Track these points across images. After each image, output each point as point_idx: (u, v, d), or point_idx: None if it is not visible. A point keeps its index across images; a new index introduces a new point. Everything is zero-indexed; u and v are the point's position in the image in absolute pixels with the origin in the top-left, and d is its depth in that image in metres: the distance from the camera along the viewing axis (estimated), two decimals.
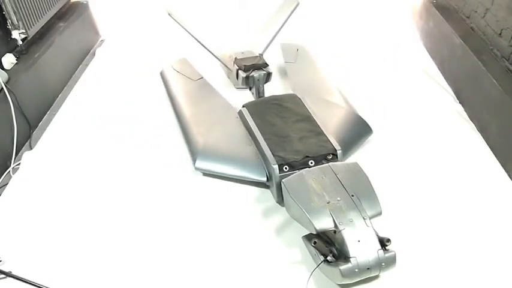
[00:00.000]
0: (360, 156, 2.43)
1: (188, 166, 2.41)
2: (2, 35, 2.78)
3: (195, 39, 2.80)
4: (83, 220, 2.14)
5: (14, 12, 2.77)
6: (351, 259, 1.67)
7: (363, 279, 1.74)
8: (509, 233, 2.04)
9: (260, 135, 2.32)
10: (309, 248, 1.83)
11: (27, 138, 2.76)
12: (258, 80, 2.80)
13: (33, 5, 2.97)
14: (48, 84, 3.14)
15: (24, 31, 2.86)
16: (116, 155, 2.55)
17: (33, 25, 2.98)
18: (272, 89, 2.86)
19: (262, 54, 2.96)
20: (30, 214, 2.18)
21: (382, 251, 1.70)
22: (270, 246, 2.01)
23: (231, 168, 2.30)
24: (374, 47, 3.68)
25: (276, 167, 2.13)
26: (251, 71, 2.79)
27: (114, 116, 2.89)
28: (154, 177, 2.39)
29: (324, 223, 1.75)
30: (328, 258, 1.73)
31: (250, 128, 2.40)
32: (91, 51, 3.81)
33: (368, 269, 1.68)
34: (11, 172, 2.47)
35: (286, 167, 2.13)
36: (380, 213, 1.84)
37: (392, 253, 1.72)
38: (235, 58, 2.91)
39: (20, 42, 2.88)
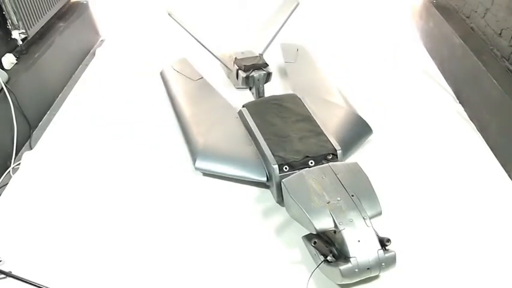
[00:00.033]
0: (360, 156, 2.43)
1: (188, 166, 2.41)
2: (2, 35, 2.78)
3: (195, 39, 2.80)
4: (83, 220, 2.14)
5: (14, 12, 2.77)
6: (351, 259, 1.67)
7: (363, 279, 1.74)
8: (509, 233, 2.04)
9: (260, 135, 2.32)
10: (309, 248, 1.83)
11: (27, 138, 2.76)
12: (258, 80, 2.80)
13: (33, 5, 2.97)
14: (48, 84, 3.14)
15: (24, 31, 2.86)
16: (116, 155, 2.55)
17: (33, 25, 2.98)
18: (272, 89, 2.86)
19: (262, 54, 2.96)
20: (30, 214, 2.18)
21: (382, 251, 1.70)
22: (270, 246, 2.01)
23: (231, 168, 2.30)
24: (374, 47, 3.68)
25: (276, 167, 2.13)
26: (251, 71, 2.79)
27: (114, 116, 2.89)
28: (154, 177, 2.39)
29: (324, 223, 1.75)
30: (328, 258, 1.73)
31: (250, 128, 2.40)
32: (91, 51, 3.81)
33: (368, 269, 1.68)
34: (11, 172, 2.48)
35: (286, 167, 2.13)
36: (380, 213, 1.84)
37: (392, 253, 1.72)
38: (235, 58, 2.91)
39: (20, 42, 2.88)
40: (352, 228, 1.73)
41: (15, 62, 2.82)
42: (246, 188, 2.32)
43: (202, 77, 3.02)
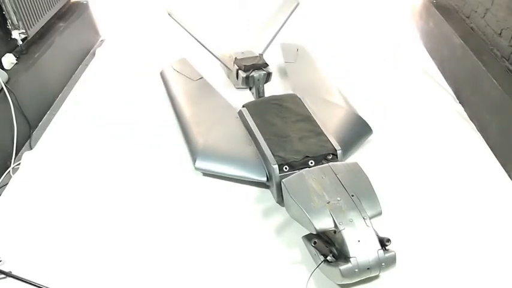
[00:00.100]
0: (360, 156, 2.43)
1: (188, 166, 2.41)
2: (2, 35, 2.78)
3: (195, 39, 2.80)
4: (83, 220, 2.14)
5: (14, 12, 2.77)
6: (351, 259, 1.67)
7: (363, 279, 1.74)
8: (509, 233, 2.04)
9: (260, 135, 2.32)
10: (309, 248, 1.83)
11: (27, 138, 2.76)
12: (258, 80, 2.80)
13: (33, 5, 2.97)
14: (48, 84, 3.14)
15: (24, 31, 2.86)
16: (116, 155, 2.55)
17: (33, 25, 2.98)
18: (272, 89, 2.86)
19: (262, 54, 2.96)
20: (30, 214, 2.18)
21: (382, 251, 1.70)
22: (270, 246, 2.01)
23: (231, 168, 2.30)
24: (374, 47, 3.68)
25: (276, 167, 2.13)
26: (251, 71, 2.79)
27: (114, 116, 2.89)
28: (154, 177, 2.39)
29: (324, 223, 1.75)
30: (328, 258, 1.73)
31: (250, 128, 2.40)
32: (91, 51, 3.81)
33: (368, 269, 1.68)
34: (11, 172, 2.48)
35: (286, 167, 2.13)
36: (380, 213, 1.84)
37: (392, 253, 1.72)
38: (235, 58, 2.91)
39: (20, 42, 2.88)
40: (352, 228, 1.73)
41: (15, 62, 2.82)
42: (246, 188, 2.32)
43: (202, 77, 3.02)
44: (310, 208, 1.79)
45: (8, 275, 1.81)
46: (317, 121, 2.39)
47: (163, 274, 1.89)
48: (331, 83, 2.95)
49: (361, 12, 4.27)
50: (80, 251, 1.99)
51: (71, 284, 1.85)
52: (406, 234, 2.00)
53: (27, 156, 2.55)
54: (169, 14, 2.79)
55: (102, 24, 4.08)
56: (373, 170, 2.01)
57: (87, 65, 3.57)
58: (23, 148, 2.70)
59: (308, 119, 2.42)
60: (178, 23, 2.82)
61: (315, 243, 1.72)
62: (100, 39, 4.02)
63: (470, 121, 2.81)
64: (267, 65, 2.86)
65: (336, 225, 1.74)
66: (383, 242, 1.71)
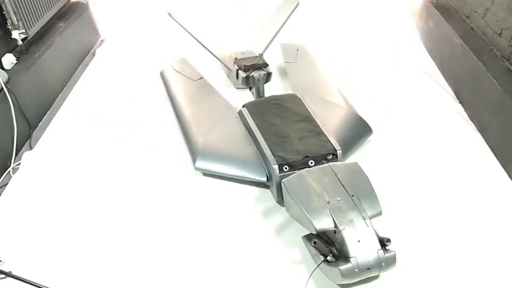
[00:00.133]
0: (360, 156, 2.43)
1: (188, 166, 2.41)
2: (2, 35, 2.78)
3: (195, 39, 2.80)
4: (83, 220, 2.14)
5: (14, 12, 2.77)
6: (351, 259, 1.67)
7: (363, 279, 1.74)
8: (509, 233, 2.04)
9: (260, 135, 2.32)
10: (309, 248, 1.83)
11: (27, 138, 2.76)
12: (258, 80, 2.80)
13: (33, 5, 2.97)
14: (48, 84, 3.14)
15: (24, 31, 2.86)
16: (116, 155, 2.55)
17: (33, 25, 2.98)
18: (272, 89, 2.86)
19: (262, 54, 2.96)
20: (30, 214, 2.18)
21: (382, 251, 1.70)
22: (270, 246, 2.01)
23: (231, 168, 2.30)
24: (374, 47, 3.68)
25: (276, 167, 2.13)
26: (251, 71, 2.79)
27: (114, 116, 2.89)
28: (154, 177, 2.39)
29: (324, 223, 1.75)
30: (328, 258, 1.73)
31: (250, 128, 2.40)
32: (91, 51, 3.81)
33: (368, 269, 1.68)
34: (11, 172, 2.48)
35: (286, 167, 2.13)
36: (380, 213, 1.84)
37: (392, 253, 1.72)
38: (235, 58, 2.91)
39: (20, 42, 2.88)
40: (352, 228, 1.73)
41: (15, 62, 2.81)
42: (246, 188, 2.32)
43: (202, 77, 3.02)
44: (310, 208, 1.79)
45: (8, 275, 1.81)
46: (317, 121, 2.39)
47: (163, 274, 1.89)
48: (331, 83, 2.95)
49: (361, 12, 4.27)
50: (80, 251, 1.99)
51: (71, 284, 1.85)
52: (406, 234, 2.00)
53: (27, 156, 2.55)
54: (169, 14, 2.79)
55: (102, 24, 4.08)
56: (373, 170, 2.01)
57: (87, 65, 3.57)
58: (23, 148, 2.70)
59: (308, 119, 2.42)
60: (178, 23, 2.82)
61: (315, 243, 1.72)
62: (100, 39, 4.02)
63: (470, 121, 2.81)
64: (267, 65, 2.86)
65: (336, 225, 1.74)
66: (383, 242, 1.71)
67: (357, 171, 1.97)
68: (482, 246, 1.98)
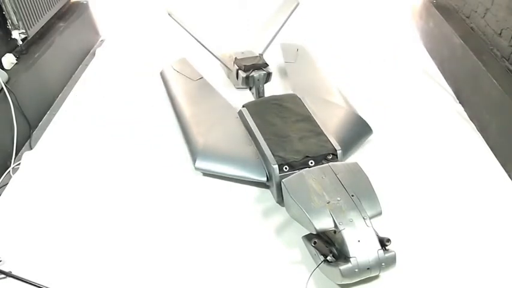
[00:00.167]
0: (360, 156, 2.43)
1: (188, 166, 2.41)
2: (2, 35, 2.78)
3: (195, 39, 2.80)
4: (83, 220, 2.14)
5: (14, 12, 2.77)
6: (351, 259, 1.67)
7: (363, 279, 1.74)
8: (509, 233, 2.04)
9: (260, 135, 2.32)
10: (309, 248, 1.83)
11: (27, 138, 2.76)
12: (258, 80, 2.80)
13: (33, 5, 2.97)
14: (48, 84, 3.14)
15: (24, 31, 2.86)
16: (116, 155, 2.55)
17: (33, 25, 2.98)
18: (272, 89, 2.86)
19: (262, 54, 2.96)
20: (30, 214, 2.18)
21: (382, 251, 1.70)
22: (270, 246, 2.01)
23: (231, 168, 2.30)
24: (374, 47, 3.68)
25: (276, 167, 2.13)
26: (251, 71, 2.79)
27: (114, 116, 2.89)
28: (154, 177, 2.39)
29: (324, 223, 1.75)
30: (328, 258, 1.73)
31: (250, 128, 2.40)
32: (91, 51, 3.81)
33: (368, 269, 1.68)
34: (11, 172, 2.48)
35: (286, 167, 2.13)
36: (380, 213, 1.84)
37: (392, 253, 1.72)
38: (235, 58, 2.91)
39: (20, 42, 2.88)
40: (352, 228, 1.73)
41: (15, 62, 2.81)
42: (246, 188, 2.32)
43: (202, 77, 3.02)
44: (310, 208, 1.79)
45: (8, 275, 1.81)
46: (317, 121, 2.39)
47: (163, 274, 1.89)
48: (331, 83, 2.95)
49: (361, 12, 4.27)
50: (80, 251, 1.99)
51: (71, 284, 1.85)
52: (406, 234, 2.00)
53: (27, 156, 2.55)
54: (169, 14, 2.79)
55: (102, 24, 4.08)
56: (373, 170, 2.01)
57: (87, 65, 3.57)
58: (23, 148, 2.70)
59: (308, 119, 2.42)
60: (178, 23, 2.82)
61: (315, 243, 1.72)
62: (100, 39, 4.02)
63: (470, 121, 2.81)
64: (267, 65, 2.86)
65: (336, 225, 1.74)
66: (383, 242, 1.71)
67: (357, 171, 1.97)
68: (482, 246, 1.98)
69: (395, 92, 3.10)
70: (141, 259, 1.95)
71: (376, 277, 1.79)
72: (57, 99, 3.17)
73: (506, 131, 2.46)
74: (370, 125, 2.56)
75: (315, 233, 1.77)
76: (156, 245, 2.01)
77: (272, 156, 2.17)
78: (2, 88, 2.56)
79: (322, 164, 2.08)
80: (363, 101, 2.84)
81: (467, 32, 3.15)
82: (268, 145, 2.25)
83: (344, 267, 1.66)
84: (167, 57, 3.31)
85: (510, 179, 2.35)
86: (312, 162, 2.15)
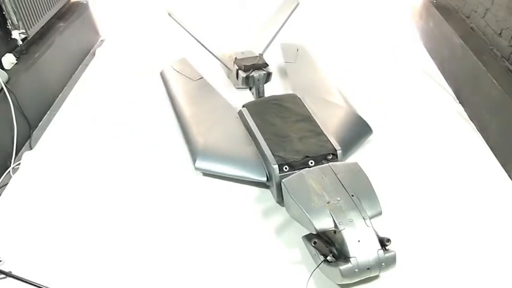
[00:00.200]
0: (360, 156, 2.43)
1: (188, 166, 2.41)
2: (2, 35, 2.78)
3: (195, 39, 2.80)
4: (83, 220, 2.14)
5: (14, 12, 2.77)
6: (351, 259, 1.67)
7: (363, 279, 1.74)
8: (509, 233, 2.04)
9: (260, 135, 2.32)
10: (309, 248, 1.83)
11: (27, 138, 2.76)
12: (258, 80, 2.80)
13: (33, 5, 2.97)
14: (48, 84, 3.14)
15: (24, 31, 2.86)
16: (116, 155, 2.55)
17: (33, 25, 2.98)
18: (272, 89, 2.86)
19: (262, 54, 2.96)
20: (30, 214, 2.18)
21: (382, 251, 1.70)
22: (270, 246, 2.01)
23: (231, 168, 2.30)
24: (374, 47, 3.68)
25: (276, 167, 2.13)
26: (251, 71, 2.79)
27: (114, 116, 2.89)
28: (154, 177, 2.39)
29: (324, 223, 1.75)
30: (328, 258, 1.73)
31: (250, 128, 2.40)
32: (91, 51, 3.81)
33: (368, 269, 1.68)
34: (11, 172, 2.48)
35: (286, 167, 2.13)
36: (380, 213, 1.84)
37: (392, 253, 1.72)
38: (235, 58, 2.91)
39: (20, 42, 2.88)
40: (352, 228, 1.73)
41: (15, 62, 2.81)
42: (246, 188, 2.32)
43: (202, 77, 3.02)
44: (310, 208, 1.79)
45: (8, 275, 1.81)
46: (317, 121, 2.39)
47: (163, 274, 1.89)
48: (331, 83, 2.95)
49: (361, 12, 4.27)
50: (80, 251, 1.99)
51: (71, 284, 1.85)
52: (406, 234, 2.00)
53: (27, 156, 2.55)
54: (169, 14, 2.79)
55: (102, 24, 4.08)
56: (373, 170, 2.01)
57: (87, 65, 3.57)
58: (23, 148, 2.70)
59: (308, 119, 2.42)
60: (178, 23, 2.82)
61: (315, 243, 1.73)
62: (100, 39, 4.02)
63: (470, 121, 2.81)
64: (267, 65, 2.86)
65: (336, 225, 1.74)
66: (383, 242, 1.71)
67: (357, 171, 1.97)
68: (482, 246, 1.98)
69: (395, 92, 3.10)
70: (141, 259, 1.95)
71: (376, 277, 1.79)
72: (57, 99, 3.17)
73: (506, 131, 2.45)
74: (370, 125, 2.56)
75: (315, 233, 1.77)
76: (156, 245, 2.01)
77: (272, 156, 2.17)
78: (2, 88, 2.56)
79: (322, 164, 2.08)
80: (363, 101, 2.84)
81: (467, 32, 3.15)
82: (268, 145, 2.25)
83: (344, 267, 1.66)
84: (167, 57, 3.31)
85: (510, 179, 2.35)
86: (312, 162, 2.15)
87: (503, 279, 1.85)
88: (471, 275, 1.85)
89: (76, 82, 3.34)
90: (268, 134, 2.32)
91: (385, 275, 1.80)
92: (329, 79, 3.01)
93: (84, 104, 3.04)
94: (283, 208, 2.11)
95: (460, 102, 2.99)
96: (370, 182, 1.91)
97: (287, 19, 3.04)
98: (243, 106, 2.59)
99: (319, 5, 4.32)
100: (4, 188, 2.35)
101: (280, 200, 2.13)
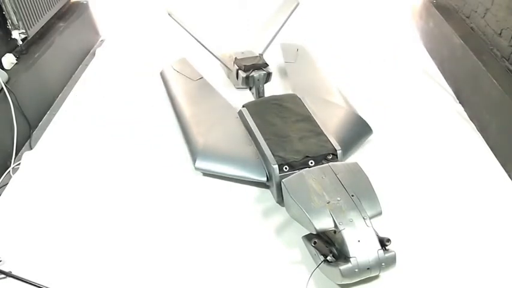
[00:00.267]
0: (360, 156, 2.43)
1: (188, 166, 2.41)
2: (2, 35, 2.78)
3: (195, 39, 2.80)
4: (83, 220, 2.14)
5: (14, 12, 2.77)
6: (351, 259, 1.67)
7: (363, 279, 1.74)
8: (509, 233, 2.04)
9: (260, 135, 2.32)
10: (309, 248, 1.83)
11: (27, 138, 2.76)
12: (258, 80, 2.80)
13: (33, 5, 2.97)
14: (48, 84, 3.14)
15: (24, 31, 2.86)
16: (116, 155, 2.55)
17: (33, 25, 2.98)
18: (272, 89, 2.86)
19: (262, 54, 2.96)
20: (30, 214, 2.18)
21: (382, 251, 1.70)
22: (270, 246, 2.01)
23: (231, 168, 2.30)
24: (374, 47, 3.68)
25: (276, 167, 2.13)
26: (251, 71, 2.79)
27: (114, 116, 2.89)
28: (154, 177, 2.39)
29: (324, 223, 1.75)
30: (328, 258, 1.73)
31: (250, 128, 2.40)
32: (91, 51, 3.81)
33: (368, 269, 1.68)
34: (11, 172, 2.48)
35: (286, 167, 2.13)
36: (380, 213, 1.84)
37: (392, 253, 1.72)
38: (235, 58, 2.91)
39: (20, 42, 2.88)
40: (352, 228, 1.73)
41: (15, 62, 2.81)
42: (246, 188, 2.32)
43: (202, 77, 3.02)
44: (310, 208, 1.79)
45: (8, 275, 1.81)
46: (317, 121, 2.39)
47: (163, 274, 1.89)
48: (331, 83, 2.95)
49: (361, 12, 4.27)
50: (80, 251, 1.99)
51: (71, 284, 1.85)
52: (406, 234, 2.00)
53: (27, 156, 2.55)
54: (169, 14, 2.79)
55: (102, 24, 4.08)
56: (373, 170, 2.01)
57: (87, 65, 3.57)
58: (23, 148, 2.70)
59: (308, 119, 2.42)
60: (178, 23, 2.82)
61: (315, 243, 1.73)
62: (100, 39, 4.02)
63: (470, 121, 2.81)
64: (267, 65, 2.86)
65: (336, 225, 1.74)
66: (383, 242, 1.71)
67: (357, 171, 1.97)
68: (482, 246, 1.98)
69: (395, 92, 3.10)
70: (141, 259, 1.95)
71: (376, 277, 1.79)
72: (57, 99, 3.17)
73: (506, 131, 2.46)
74: (370, 125, 2.56)
75: (315, 233, 1.77)
76: (156, 245, 2.01)
77: (272, 156, 2.17)
78: (2, 88, 2.56)
79: (322, 164, 2.08)
80: (363, 101, 2.84)
81: (467, 32, 3.15)
82: (268, 145, 2.25)
83: (344, 267, 1.66)
84: (167, 57, 3.31)
85: (510, 179, 2.35)
86: (312, 162, 2.15)
87: (503, 279, 1.84)
88: (471, 275, 1.85)
89: (76, 82, 3.34)
90: (268, 134, 2.32)
91: (385, 275, 1.80)
92: (329, 79, 3.01)
93: (84, 104, 3.04)
94: (283, 208, 2.11)
95: (460, 102, 2.99)
96: (370, 182, 1.91)
97: (287, 19, 3.04)
98: (243, 106, 2.59)
99: (319, 5, 4.32)
100: (4, 188, 2.35)
101: (280, 200, 2.13)
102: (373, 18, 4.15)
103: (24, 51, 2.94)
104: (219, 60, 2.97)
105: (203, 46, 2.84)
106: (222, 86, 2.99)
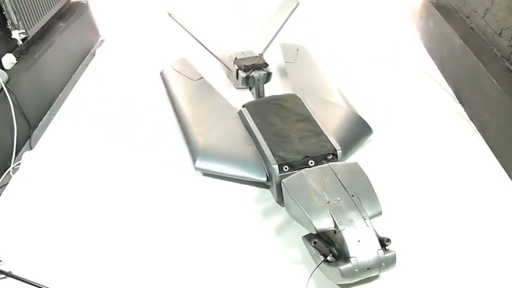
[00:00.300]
0: (360, 156, 2.43)
1: (188, 166, 2.41)
2: (2, 35, 2.78)
3: (195, 39, 2.80)
4: (83, 220, 2.14)
5: (14, 12, 2.77)
6: (351, 259, 1.67)
7: (363, 279, 1.74)
8: (509, 233, 2.04)
9: (260, 135, 2.32)
10: (309, 248, 1.83)
11: (27, 138, 2.76)
12: (258, 80, 2.80)
13: (33, 5, 2.97)
14: (48, 84, 3.14)
15: (24, 31, 2.86)
16: (116, 155, 2.55)
17: (33, 25, 2.98)
18: (272, 89, 2.86)
19: (262, 54, 2.96)
20: (30, 214, 2.18)
21: (382, 251, 1.70)
22: (270, 246, 2.01)
23: (231, 168, 2.30)
24: (374, 47, 3.68)
25: (276, 167, 2.13)
26: (251, 71, 2.79)
27: (114, 116, 2.89)
28: (154, 177, 2.39)
29: (324, 223, 1.75)
30: (328, 258, 1.73)
31: (250, 128, 2.40)
32: (91, 51, 3.81)
33: (368, 269, 1.68)
34: (11, 172, 2.48)
35: (286, 167, 2.13)
36: (380, 213, 1.84)
37: (392, 253, 1.72)
38: (235, 58, 2.91)
39: (20, 42, 2.88)
40: (352, 228, 1.73)
41: (15, 62, 2.81)
42: (246, 188, 2.32)
43: (202, 77, 3.02)
44: (310, 208, 1.79)
45: (8, 275, 1.81)
46: (317, 121, 2.39)
47: (163, 274, 1.89)
48: (331, 83, 2.95)
49: (361, 12, 4.27)
50: (80, 251, 1.99)
51: (71, 284, 1.85)
52: (406, 234, 2.00)
53: (27, 156, 2.55)
54: (169, 14, 2.79)
55: (102, 24, 4.08)
56: (373, 170, 2.01)
57: (87, 65, 3.57)
58: (23, 148, 2.70)
59: (308, 119, 2.42)
60: (178, 23, 2.82)
61: (315, 243, 1.73)
62: (100, 39, 4.02)
63: (470, 121, 2.81)
64: (267, 65, 2.86)
65: (336, 225, 1.74)
66: (383, 242, 1.71)
67: (357, 171, 1.97)
68: (482, 246, 1.98)
69: (395, 92, 3.10)
70: (141, 259, 1.95)
71: (376, 277, 1.79)
72: (57, 99, 3.17)
73: (506, 131, 2.46)
74: (370, 125, 2.56)
75: (315, 233, 1.77)
76: (156, 245, 2.01)
77: (272, 156, 2.17)
78: (2, 88, 2.56)
79: (322, 164, 2.08)
80: (363, 101, 2.84)
81: (467, 32, 3.15)
82: (268, 145, 2.25)
83: (344, 267, 1.66)
84: (167, 57, 3.31)
85: (510, 179, 2.35)
86: (312, 162, 2.15)
87: (503, 279, 1.85)
88: (471, 275, 1.85)
89: (76, 82, 3.34)
90: (268, 134, 2.32)
91: (385, 275, 1.80)
92: (329, 79, 3.01)
93: (84, 104, 3.04)
94: (283, 208, 2.11)
95: (460, 102, 2.99)
96: (370, 182, 1.91)
97: (287, 19, 3.04)
98: (243, 106, 2.59)
99: (319, 5, 4.32)
100: (4, 188, 2.35)
101: (280, 200, 2.13)
102: (373, 18, 4.15)
103: (24, 51, 2.94)
104: (219, 60, 2.97)
105: (203, 46, 2.84)
106: (222, 86, 2.99)
